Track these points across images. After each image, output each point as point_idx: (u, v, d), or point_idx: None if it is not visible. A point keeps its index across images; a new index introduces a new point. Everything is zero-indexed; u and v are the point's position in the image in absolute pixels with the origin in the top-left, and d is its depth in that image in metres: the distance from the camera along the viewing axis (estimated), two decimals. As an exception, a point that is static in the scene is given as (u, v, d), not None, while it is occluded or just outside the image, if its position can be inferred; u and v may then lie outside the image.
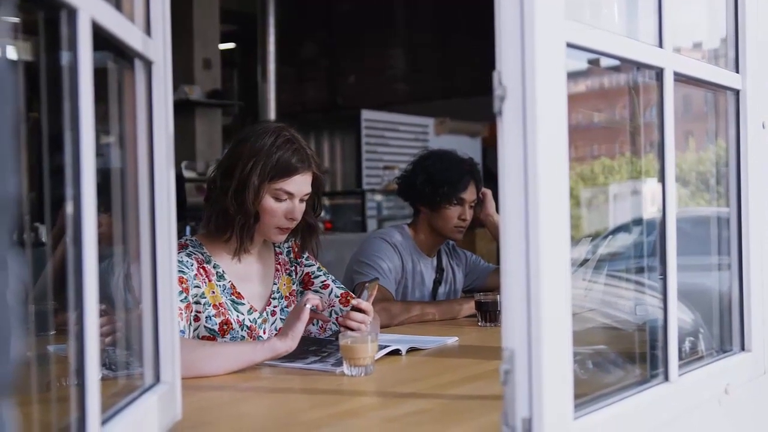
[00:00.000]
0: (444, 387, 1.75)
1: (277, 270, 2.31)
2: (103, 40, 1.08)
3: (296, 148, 2.14)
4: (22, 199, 0.53)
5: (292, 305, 2.28)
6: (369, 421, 1.51)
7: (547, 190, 1.15)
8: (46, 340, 1.36)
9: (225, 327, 2.11)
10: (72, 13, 0.96)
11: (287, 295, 2.31)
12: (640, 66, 1.54)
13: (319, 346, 2.07)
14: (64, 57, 0.97)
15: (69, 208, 0.97)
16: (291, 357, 1.96)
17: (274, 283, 2.28)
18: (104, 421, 1.07)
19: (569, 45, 1.23)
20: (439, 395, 1.66)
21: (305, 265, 2.36)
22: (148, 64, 1.30)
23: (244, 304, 2.17)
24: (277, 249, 2.34)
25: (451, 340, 2.29)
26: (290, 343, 1.91)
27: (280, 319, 2.26)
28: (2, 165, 0.48)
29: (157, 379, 1.34)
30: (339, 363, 1.86)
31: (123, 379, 1.41)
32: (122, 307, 1.48)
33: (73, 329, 0.98)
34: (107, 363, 1.37)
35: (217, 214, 2.14)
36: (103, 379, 1.06)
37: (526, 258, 1.15)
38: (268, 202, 2.12)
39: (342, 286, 2.37)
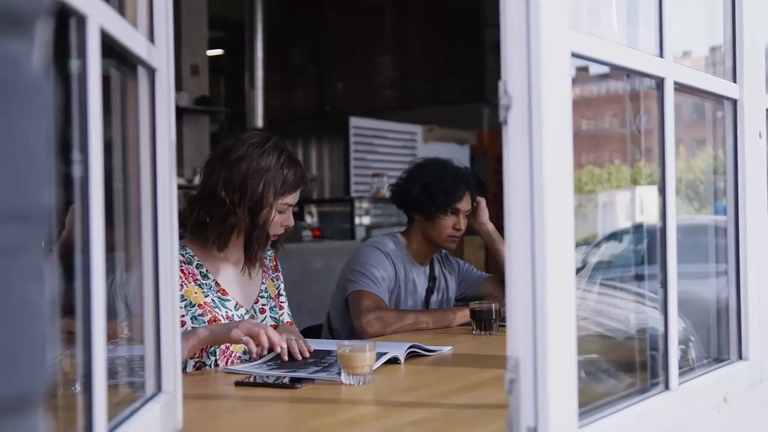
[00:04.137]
0: (443, 396, 1.74)
1: (264, 272, 2.39)
2: (107, 47, 1.07)
3: (297, 164, 2.27)
4: (56, 210, 0.53)
5: (277, 307, 2.40)
6: (373, 430, 1.50)
7: (553, 199, 1.15)
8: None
9: (214, 324, 2.15)
10: (81, 20, 0.95)
11: (273, 296, 2.40)
12: (641, 75, 1.55)
13: (317, 358, 2.07)
14: (73, 64, 0.97)
15: (77, 215, 0.96)
16: (293, 368, 1.96)
17: (263, 283, 2.37)
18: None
19: (573, 54, 1.24)
20: (439, 404, 1.66)
21: (280, 281, 2.46)
22: (151, 72, 1.30)
23: (229, 300, 2.24)
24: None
25: (447, 350, 2.29)
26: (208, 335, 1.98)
27: (270, 317, 2.35)
28: (39, 174, 0.48)
29: (158, 388, 1.33)
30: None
31: (123, 388, 1.40)
32: (120, 315, 1.47)
33: (80, 338, 0.97)
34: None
35: (228, 229, 2.20)
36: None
37: (531, 266, 1.15)
38: (275, 216, 2.23)
39: (290, 313, 2.45)
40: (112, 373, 1.40)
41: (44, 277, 0.49)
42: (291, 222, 2.27)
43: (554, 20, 1.17)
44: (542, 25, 1.14)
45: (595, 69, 1.53)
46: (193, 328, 2.07)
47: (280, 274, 2.46)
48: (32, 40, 0.51)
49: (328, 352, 2.11)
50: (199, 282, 2.19)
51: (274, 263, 2.46)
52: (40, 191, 0.49)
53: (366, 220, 7.49)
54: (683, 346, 1.79)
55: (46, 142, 0.50)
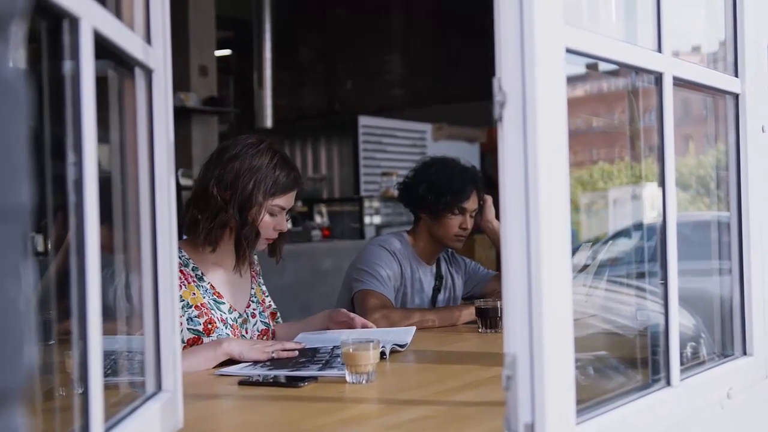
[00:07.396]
0: (446, 393, 1.74)
1: (253, 277, 2.43)
2: (103, 48, 1.08)
3: (291, 167, 2.28)
4: (35, 207, 0.53)
5: (266, 311, 2.42)
6: (372, 428, 1.50)
7: (547, 196, 1.15)
8: (48, 349, 1.35)
9: (209, 326, 2.19)
10: (74, 22, 0.95)
11: (261, 301, 2.42)
12: (639, 71, 1.54)
13: (308, 358, 2.07)
14: (66, 65, 0.97)
15: (71, 216, 0.97)
16: (286, 367, 1.96)
17: (252, 288, 2.40)
18: (107, 430, 1.07)
19: (569, 50, 1.23)
20: (441, 402, 1.66)
21: (262, 284, 2.49)
22: (148, 73, 1.30)
23: (224, 303, 2.27)
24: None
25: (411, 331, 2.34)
26: (237, 348, 2.04)
27: (261, 321, 2.38)
28: (16, 172, 0.48)
29: (158, 387, 1.33)
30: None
31: (124, 387, 1.41)
32: (122, 317, 1.48)
33: (75, 338, 0.97)
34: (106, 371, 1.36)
35: (218, 226, 2.22)
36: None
37: (527, 263, 1.15)
38: (265, 217, 2.24)
39: (266, 321, 2.45)
40: (116, 372, 1.40)
41: (22, 274, 0.50)
42: (284, 226, 2.29)
43: (548, 15, 1.17)
44: (536, 20, 1.14)
45: (604, 65, 1.52)
46: (218, 339, 2.12)
47: (261, 278, 2.49)
48: (8, 41, 0.51)
49: (316, 350, 2.14)
50: (196, 283, 2.22)
51: (259, 268, 2.50)
52: (17, 190, 0.49)
53: (376, 220, 7.48)
54: (694, 343, 1.78)
55: (24, 141, 0.50)
